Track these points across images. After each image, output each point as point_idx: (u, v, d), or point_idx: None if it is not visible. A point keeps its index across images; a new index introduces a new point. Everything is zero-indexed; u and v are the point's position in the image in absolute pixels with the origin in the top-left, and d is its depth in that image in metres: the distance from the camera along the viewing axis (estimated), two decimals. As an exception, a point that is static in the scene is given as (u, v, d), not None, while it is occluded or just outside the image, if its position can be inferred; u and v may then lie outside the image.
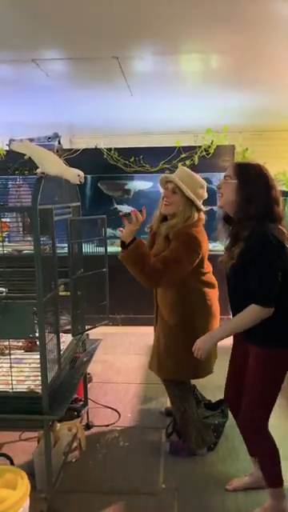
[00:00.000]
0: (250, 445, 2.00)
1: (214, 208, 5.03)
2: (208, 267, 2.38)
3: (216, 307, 2.40)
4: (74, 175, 2.19)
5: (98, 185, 5.37)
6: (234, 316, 1.97)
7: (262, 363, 1.84)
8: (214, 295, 2.39)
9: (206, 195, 2.32)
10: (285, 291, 1.77)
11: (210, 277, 2.39)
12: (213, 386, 3.11)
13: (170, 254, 2.14)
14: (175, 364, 2.34)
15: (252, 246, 1.76)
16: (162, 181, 2.31)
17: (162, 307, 2.38)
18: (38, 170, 1.92)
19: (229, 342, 1.97)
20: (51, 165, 1.99)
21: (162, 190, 2.36)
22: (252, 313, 1.78)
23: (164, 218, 2.36)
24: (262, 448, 1.94)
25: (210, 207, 5.82)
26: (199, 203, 2.25)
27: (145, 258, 2.05)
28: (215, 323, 2.38)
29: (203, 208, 2.30)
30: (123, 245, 2.08)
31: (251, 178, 1.83)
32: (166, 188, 2.27)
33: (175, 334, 2.32)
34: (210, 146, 4.78)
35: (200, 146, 4.81)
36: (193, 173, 2.30)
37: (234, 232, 1.87)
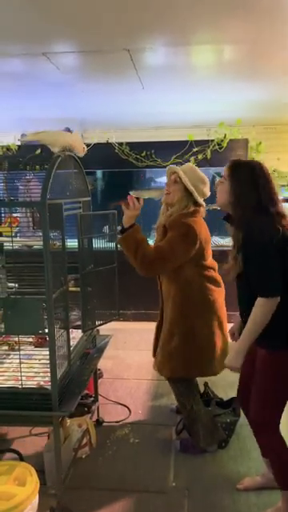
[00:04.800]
0: (261, 447, 1.96)
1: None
2: (212, 263, 2.35)
3: (220, 306, 2.33)
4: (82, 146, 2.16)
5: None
6: (244, 321, 1.93)
7: (271, 365, 1.80)
8: (218, 293, 2.33)
9: (208, 192, 2.34)
10: None
11: (215, 274, 2.35)
12: (225, 383, 3.07)
13: (164, 244, 2.19)
14: (178, 362, 2.29)
15: (246, 240, 1.74)
16: (167, 172, 2.38)
17: (165, 303, 2.37)
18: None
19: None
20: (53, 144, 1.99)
21: None
22: (259, 307, 1.72)
23: None
24: (274, 450, 1.90)
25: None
26: (197, 196, 2.28)
27: (139, 244, 2.10)
28: (219, 324, 2.32)
29: (202, 202, 2.32)
30: (123, 230, 2.15)
31: (242, 180, 1.79)
32: (170, 178, 2.35)
33: (176, 329, 2.28)
34: (222, 140, 4.71)
35: (212, 140, 4.74)
36: (197, 168, 2.36)
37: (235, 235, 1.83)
